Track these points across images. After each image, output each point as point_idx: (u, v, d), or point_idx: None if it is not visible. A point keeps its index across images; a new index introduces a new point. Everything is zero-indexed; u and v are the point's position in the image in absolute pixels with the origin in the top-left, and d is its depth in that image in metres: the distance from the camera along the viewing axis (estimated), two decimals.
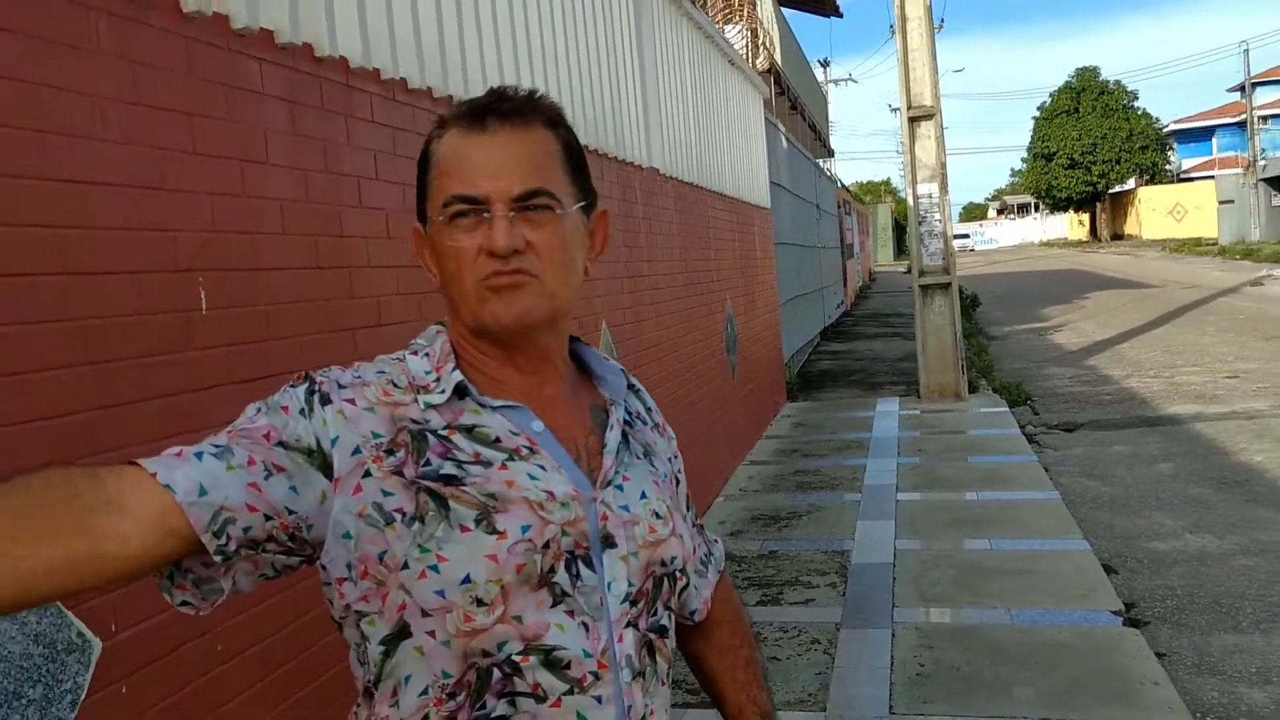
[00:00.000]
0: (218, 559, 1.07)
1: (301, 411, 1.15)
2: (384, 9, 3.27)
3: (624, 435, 1.31)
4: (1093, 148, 59.03)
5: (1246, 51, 48.23)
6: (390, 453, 1.15)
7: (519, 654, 1.14)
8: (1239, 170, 45.80)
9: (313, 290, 2.81)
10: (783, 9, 19.85)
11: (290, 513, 1.10)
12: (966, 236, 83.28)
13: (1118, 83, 60.41)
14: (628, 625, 1.22)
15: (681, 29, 7.98)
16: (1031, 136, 63.47)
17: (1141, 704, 4.04)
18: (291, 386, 1.18)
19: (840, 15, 24.91)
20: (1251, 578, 5.49)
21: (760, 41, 14.15)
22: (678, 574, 1.30)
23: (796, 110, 19.92)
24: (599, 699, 1.18)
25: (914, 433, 9.91)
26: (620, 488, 1.25)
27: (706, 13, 10.59)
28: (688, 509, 1.45)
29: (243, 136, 2.57)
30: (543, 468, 1.19)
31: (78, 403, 2.00)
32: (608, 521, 1.22)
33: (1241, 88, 50.64)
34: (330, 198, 2.94)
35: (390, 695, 1.16)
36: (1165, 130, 61.32)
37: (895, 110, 11.26)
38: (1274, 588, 5.32)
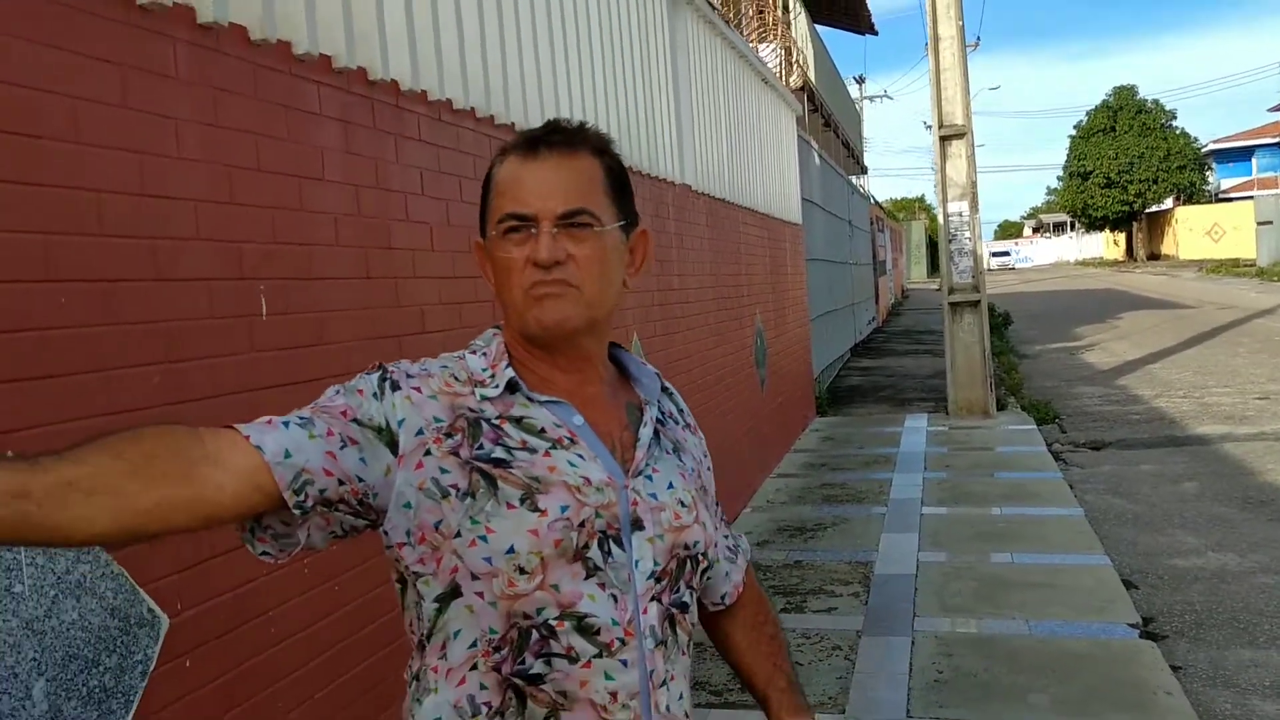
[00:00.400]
0: (296, 513, 1.23)
1: (374, 395, 1.31)
2: (432, 35, 3.46)
3: (655, 432, 1.45)
4: (1129, 167, 58.63)
5: None
6: (449, 435, 1.31)
7: (555, 619, 1.29)
8: (1278, 191, 45.33)
9: (362, 299, 3.00)
10: (818, 26, 19.99)
11: (360, 480, 1.27)
12: (1006, 254, 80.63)
13: (1156, 101, 60.00)
14: (652, 599, 1.36)
15: (715, 49, 8.16)
16: (1068, 155, 63.11)
17: (1154, 712, 4.14)
18: (367, 374, 1.35)
19: (875, 33, 25.02)
20: (1271, 595, 5.55)
21: (794, 60, 14.31)
22: (700, 557, 1.43)
23: (830, 127, 20.04)
24: (624, 662, 1.32)
25: (941, 449, 10.00)
26: (650, 477, 1.40)
27: (741, 33, 10.77)
28: (717, 504, 1.59)
29: (301, 155, 2.76)
30: (581, 456, 1.34)
31: (157, 397, 2.19)
32: (637, 506, 1.36)
33: None
34: (380, 212, 3.12)
35: (440, 648, 1.33)
36: (1204, 150, 60.80)
37: (930, 127, 11.35)
38: None
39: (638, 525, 1.36)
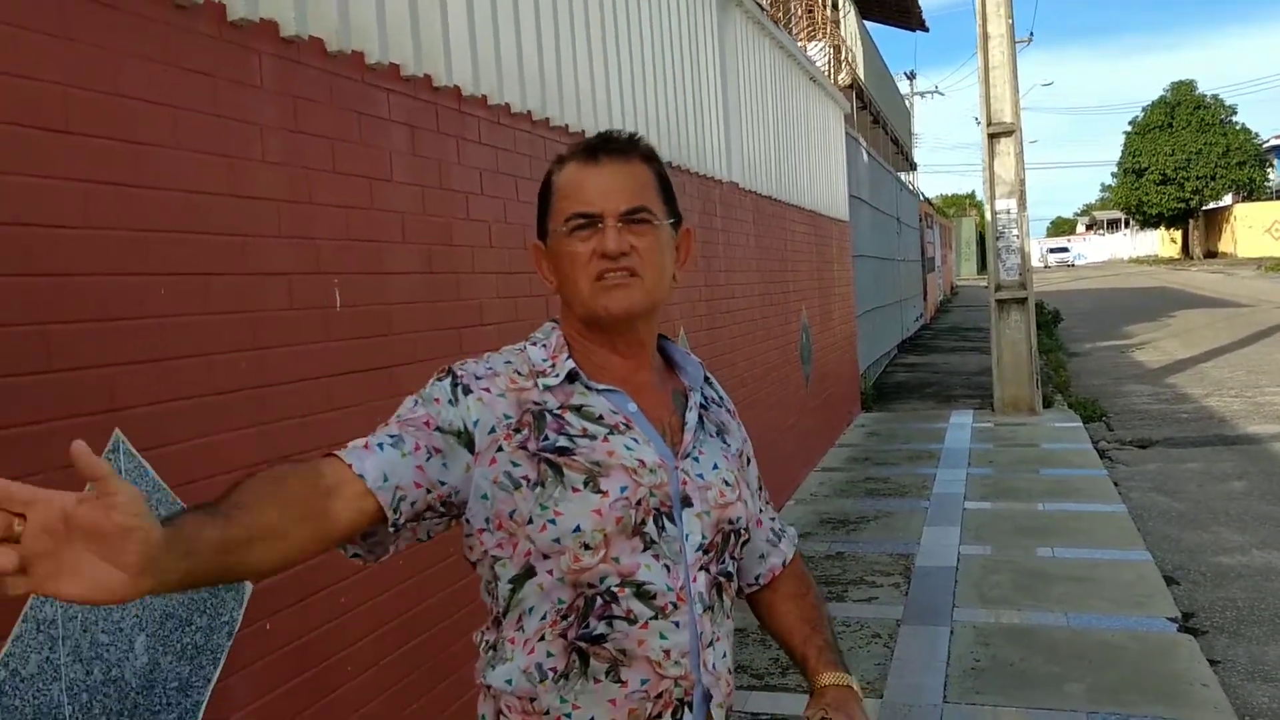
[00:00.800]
0: (392, 530, 1.37)
1: (450, 401, 1.44)
2: (492, 41, 3.64)
3: (700, 416, 1.59)
4: (1186, 163, 57.72)
5: None
6: (517, 430, 1.45)
7: (617, 585, 1.44)
8: None
9: (425, 293, 3.18)
10: (868, 23, 19.97)
11: (443, 484, 1.40)
12: (1065, 250, 76.76)
13: (1215, 97, 59.01)
14: (701, 569, 1.51)
15: (763, 48, 8.28)
16: (1122, 151, 62.28)
17: (1189, 703, 4.22)
18: (438, 380, 1.48)
19: (926, 29, 24.91)
20: None
21: (843, 58, 14.36)
22: (742, 531, 1.58)
23: (878, 124, 20.03)
24: (676, 624, 1.47)
25: (986, 444, 10.05)
26: (696, 459, 1.54)
27: (790, 32, 10.86)
28: (760, 488, 1.74)
29: (372, 157, 2.95)
30: (636, 440, 1.49)
31: (246, 380, 2.38)
32: (687, 486, 1.51)
33: None
34: (443, 211, 3.31)
35: (516, 622, 1.47)
36: (1265, 145, 59.68)
37: (980, 123, 11.34)
38: None
39: (687, 503, 1.50)
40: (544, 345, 1.55)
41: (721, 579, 1.55)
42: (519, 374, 1.50)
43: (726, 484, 1.56)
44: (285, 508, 1.25)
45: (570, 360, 1.52)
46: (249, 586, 2.38)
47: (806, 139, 9.91)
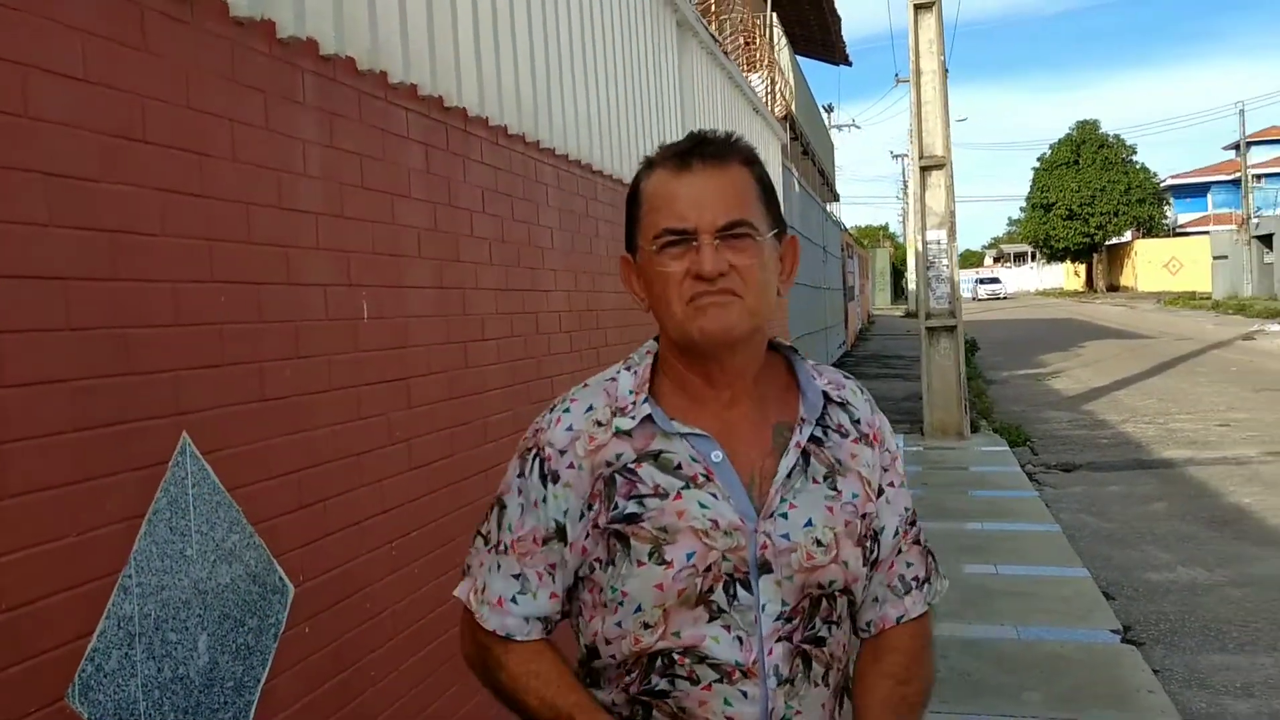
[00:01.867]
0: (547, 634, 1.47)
1: (543, 500, 1.40)
2: (494, 64, 3.74)
3: (805, 456, 1.39)
4: (1091, 200, 59.90)
5: (1242, 112, 49.30)
6: (590, 507, 1.38)
7: (678, 654, 1.35)
8: (1233, 227, 46.58)
9: (437, 306, 3.26)
10: (798, 57, 20.46)
11: (563, 578, 1.44)
12: (997, 282, 69.96)
13: (1117, 137, 61.41)
14: (779, 640, 1.35)
15: (715, 79, 8.50)
16: (1031, 187, 64.34)
17: (1138, 709, 4.46)
18: (527, 462, 1.43)
19: (850, 64, 25.66)
20: (1239, 606, 5.92)
21: (779, 89, 14.73)
22: (837, 594, 1.40)
23: (808, 155, 20.50)
24: (744, 694, 1.35)
25: (917, 467, 10.35)
26: (784, 516, 1.36)
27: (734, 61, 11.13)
28: (912, 523, 1.51)
29: (394, 174, 3.03)
30: (715, 496, 1.34)
31: (289, 388, 2.45)
32: (767, 550, 1.35)
33: (1237, 146, 51.60)
34: (451, 227, 3.40)
35: (590, 666, 1.47)
36: (1162, 185, 62.27)
37: (897, 157, 11.81)
38: (1258, 615, 5.75)
39: (765, 568, 1.35)
40: (635, 371, 1.44)
41: (808, 646, 1.39)
42: (599, 424, 1.40)
43: (818, 544, 1.37)
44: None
45: (647, 404, 1.39)
46: (291, 589, 2.43)
47: None
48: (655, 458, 1.36)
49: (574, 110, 4.63)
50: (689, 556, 1.33)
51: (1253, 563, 6.71)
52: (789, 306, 12.81)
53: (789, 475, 1.39)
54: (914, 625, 1.49)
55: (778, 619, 1.35)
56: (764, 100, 13.15)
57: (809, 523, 1.38)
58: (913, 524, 1.51)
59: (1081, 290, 66.25)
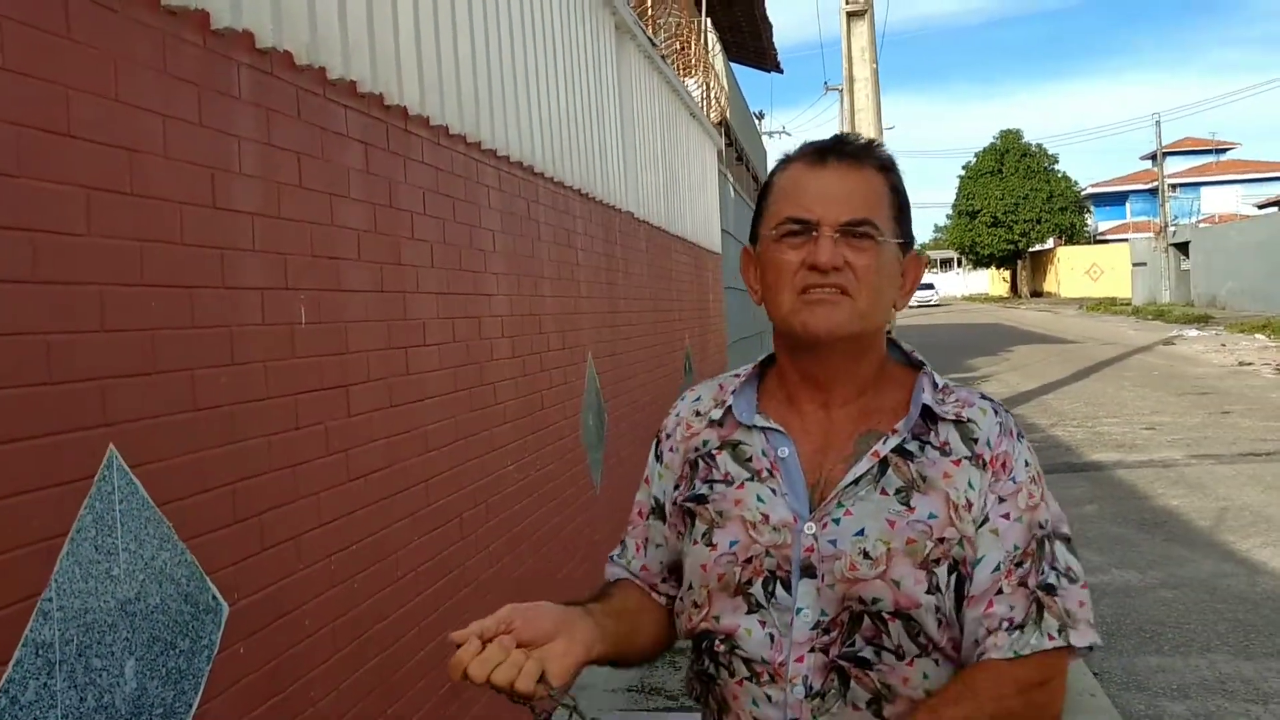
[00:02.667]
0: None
1: (648, 478, 1.54)
2: (435, 63, 3.63)
3: (884, 466, 1.34)
4: (1015, 207, 61.16)
5: (1159, 123, 50.72)
6: (676, 487, 1.48)
7: (720, 640, 1.39)
8: (1151, 235, 47.87)
9: (378, 311, 3.15)
10: (731, 63, 20.53)
11: (661, 564, 1.55)
12: (930, 288, 66.00)
13: (1039, 146, 62.82)
14: (814, 649, 1.32)
15: (652, 81, 8.45)
16: (956, 194, 65.54)
17: (1083, 711, 4.50)
18: (655, 441, 1.56)
19: (781, 71, 25.82)
20: (1171, 608, 6.02)
21: (714, 95, 14.74)
22: (887, 615, 1.30)
23: (742, 161, 20.57)
24: (769, 697, 1.34)
25: None
26: (836, 521, 1.33)
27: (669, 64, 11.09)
28: (1019, 565, 1.32)
29: (332, 173, 2.91)
30: (774, 491, 1.36)
31: (225, 398, 2.32)
32: (812, 553, 1.33)
33: (1153, 156, 53.06)
34: (391, 230, 3.28)
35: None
36: (1083, 193, 63.83)
37: None
38: (1191, 617, 5.85)
39: (809, 572, 1.33)
40: (744, 370, 1.51)
41: (847, 664, 1.32)
42: (698, 414, 1.49)
43: (865, 555, 1.31)
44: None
45: (733, 396, 1.45)
46: (225, 608, 2.30)
47: (688, 172, 10.13)
48: (734, 447, 1.41)
49: (514, 111, 4.53)
50: (732, 544, 1.36)
51: (1183, 564, 6.84)
52: (724, 311, 12.81)
53: (855, 482, 1.35)
54: (994, 665, 1.30)
55: (814, 627, 1.32)
56: (700, 105, 13.15)
57: (861, 532, 1.33)
58: (1020, 564, 1.32)
59: (1006, 296, 67.59)
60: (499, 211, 4.29)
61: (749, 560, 1.35)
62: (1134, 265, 45.34)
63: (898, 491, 1.34)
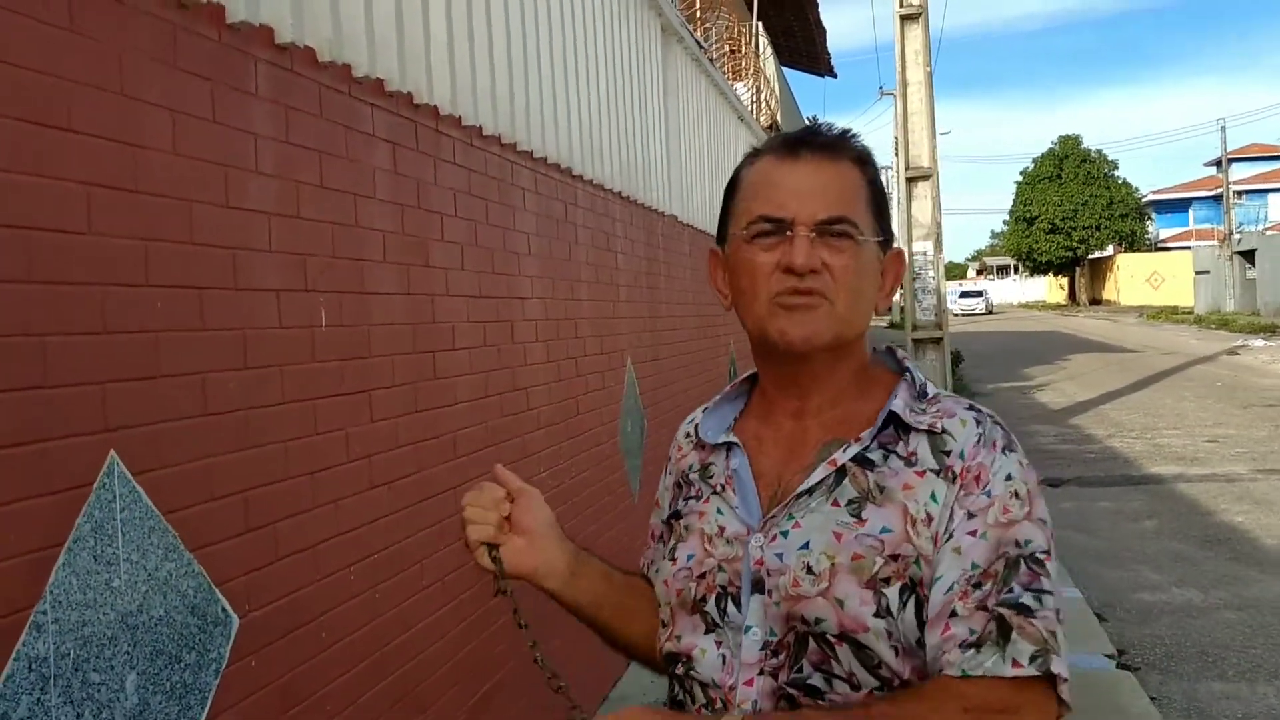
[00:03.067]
0: None
1: (658, 500, 1.47)
2: (469, 62, 3.56)
3: (840, 475, 1.24)
4: (1073, 213, 60.06)
5: (1224, 129, 49.57)
6: (670, 508, 1.43)
7: (682, 663, 1.31)
8: (1214, 242, 46.78)
9: (403, 314, 3.07)
10: (783, 68, 20.36)
11: None
12: (979, 295, 63.60)
13: (1099, 152, 61.62)
14: (763, 673, 1.23)
15: (700, 85, 8.34)
16: (1014, 200, 64.46)
17: None
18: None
19: (835, 76, 25.60)
20: (1235, 630, 5.76)
21: (764, 99, 14.60)
22: (833, 638, 1.19)
23: None
24: None
25: None
26: (784, 534, 1.23)
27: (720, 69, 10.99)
28: (977, 586, 1.16)
29: (357, 173, 2.84)
30: (729, 504, 1.31)
31: (234, 401, 2.25)
32: (761, 566, 1.24)
33: (1218, 163, 51.92)
34: (420, 231, 3.21)
35: None
36: (1144, 200, 62.54)
37: (882, 169, 11.62)
38: (1256, 640, 5.60)
39: (759, 587, 1.24)
40: (732, 384, 1.43)
41: (795, 692, 1.21)
42: (688, 435, 1.44)
43: (809, 570, 1.20)
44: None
45: (701, 413, 1.43)
46: (235, 620, 2.23)
47: None
48: (705, 467, 1.37)
49: (553, 112, 4.44)
50: (689, 558, 1.31)
51: (1249, 584, 6.57)
52: None
53: (809, 492, 1.25)
54: (942, 680, 1.15)
55: (763, 648, 1.23)
56: (750, 109, 13.02)
57: (806, 545, 1.22)
58: (979, 585, 1.16)
59: (1064, 303, 66.42)
60: (535, 214, 4.21)
61: (703, 575, 1.29)
62: (1196, 273, 44.28)
63: (850, 503, 1.23)
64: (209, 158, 2.21)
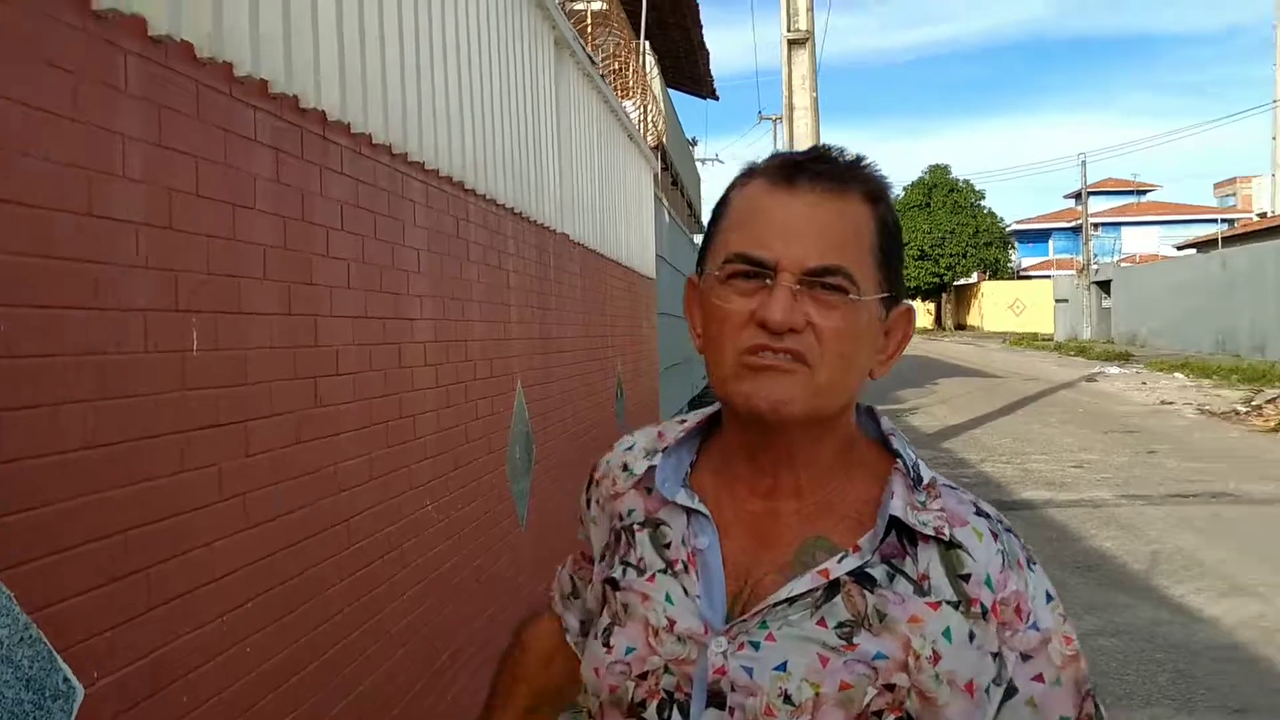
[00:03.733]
0: None
1: (582, 519, 1.30)
2: (359, 67, 3.33)
3: (834, 591, 1.04)
4: (942, 241, 62.12)
5: (1084, 163, 51.84)
6: (602, 557, 1.22)
7: None
8: (1073, 272, 48.87)
9: (283, 337, 2.82)
10: (668, 89, 20.43)
11: None
12: None
13: (967, 182, 63.96)
14: None
15: (591, 100, 8.21)
16: None
17: None
18: (585, 484, 1.31)
19: (717, 98, 25.87)
20: (1111, 656, 5.86)
21: (651, 118, 14.56)
22: None
23: (676, 186, 20.45)
24: None
25: None
26: (755, 645, 1.04)
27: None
28: None
29: (236, 181, 2.59)
30: (685, 591, 1.08)
31: (93, 438, 1.98)
32: (724, 676, 1.04)
33: (1078, 195, 54.28)
34: (303, 245, 2.96)
35: None
36: (1008, 229, 65.12)
37: None
38: (1130, 668, 5.70)
39: (717, 700, 1.03)
40: (691, 420, 1.19)
41: None
42: (625, 466, 1.20)
43: (786, 699, 1.01)
44: (538, 681, 1.37)
45: (659, 457, 1.15)
46: (80, 691, 1.95)
47: (624, 195, 9.90)
48: (656, 528, 1.13)
49: (446, 123, 4.23)
50: (628, 651, 1.08)
51: (1120, 611, 6.71)
52: (658, 337, 12.58)
53: (789, 601, 1.04)
54: None
55: None
56: (637, 128, 12.96)
57: (782, 666, 1.02)
58: None
59: (931, 328, 68.55)
60: (425, 229, 3.98)
61: (644, 675, 1.07)
62: (1056, 301, 46.22)
63: (840, 625, 1.03)
64: (69, 160, 1.95)
